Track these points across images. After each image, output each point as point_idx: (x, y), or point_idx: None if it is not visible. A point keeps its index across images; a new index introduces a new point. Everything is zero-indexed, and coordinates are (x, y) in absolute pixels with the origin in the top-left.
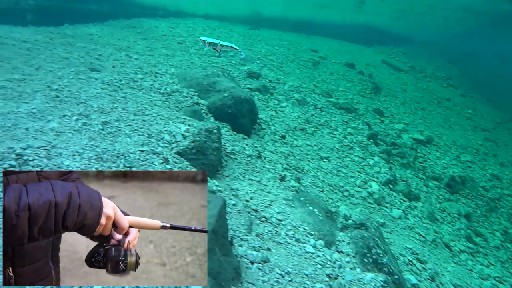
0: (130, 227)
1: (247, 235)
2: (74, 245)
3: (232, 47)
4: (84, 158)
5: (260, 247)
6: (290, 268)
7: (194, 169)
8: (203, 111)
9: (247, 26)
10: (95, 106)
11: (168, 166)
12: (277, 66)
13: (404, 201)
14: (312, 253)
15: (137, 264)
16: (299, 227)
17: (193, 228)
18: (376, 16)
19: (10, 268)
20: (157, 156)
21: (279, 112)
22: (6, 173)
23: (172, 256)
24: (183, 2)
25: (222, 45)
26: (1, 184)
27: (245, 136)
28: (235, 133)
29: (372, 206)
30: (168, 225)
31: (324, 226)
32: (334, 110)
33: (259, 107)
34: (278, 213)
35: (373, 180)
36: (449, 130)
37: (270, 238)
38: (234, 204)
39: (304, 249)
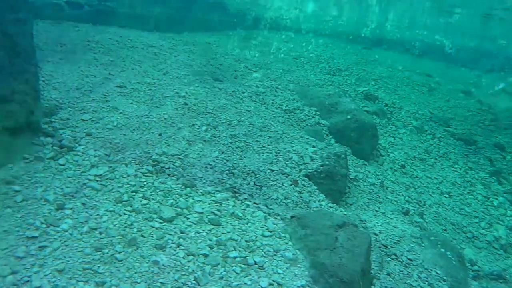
0: None
1: (379, 273)
2: None
3: None
4: (216, 171)
5: None
6: None
7: (322, 195)
8: (324, 131)
9: (357, 44)
10: (223, 118)
11: (297, 189)
12: (392, 90)
13: None
14: None
15: None
16: (431, 270)
17: None
18: (494, 39)
19: None
20: (286, 177)
21: (397, 139)
22: None
23: None
24: (298, 17)
25: None
26: None
27: (365, 162)
28: (355, 158)
29: (498, 252)
30: None
31: (458, 272)
32: (453, 141)
33: None
34: (408, 251)
35: (499, 223)
36: None
37: (402, 279)
38: None
39: None
